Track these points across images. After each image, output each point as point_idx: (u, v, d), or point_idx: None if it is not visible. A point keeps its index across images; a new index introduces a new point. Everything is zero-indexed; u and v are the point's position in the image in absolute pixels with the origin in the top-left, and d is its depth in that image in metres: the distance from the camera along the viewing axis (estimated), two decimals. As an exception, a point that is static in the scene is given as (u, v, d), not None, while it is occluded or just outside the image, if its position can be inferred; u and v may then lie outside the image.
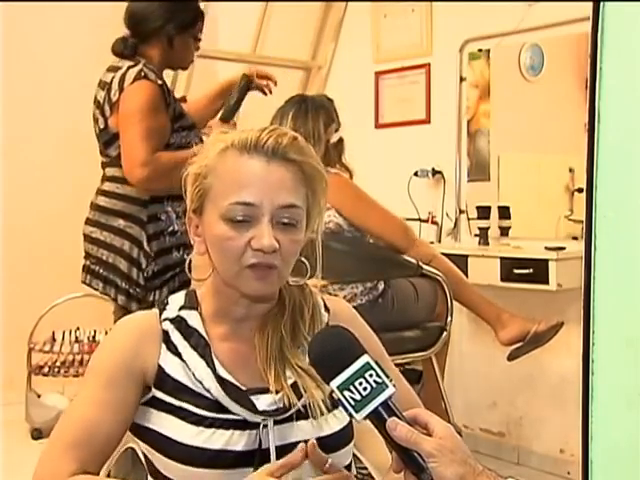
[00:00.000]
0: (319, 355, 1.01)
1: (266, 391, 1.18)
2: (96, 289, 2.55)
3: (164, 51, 2.55)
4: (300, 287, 1.27)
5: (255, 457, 1.14)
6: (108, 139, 2.53)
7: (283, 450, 1.15)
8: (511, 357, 2.78)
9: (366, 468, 1.36)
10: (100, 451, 1.16)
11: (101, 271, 2.51)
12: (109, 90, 2.49)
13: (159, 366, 1.19)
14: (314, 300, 1.27)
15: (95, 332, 3.64)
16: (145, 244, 2.45)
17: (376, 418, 0.95)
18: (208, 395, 1.16)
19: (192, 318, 1.23)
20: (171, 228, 2.46)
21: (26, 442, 3.47)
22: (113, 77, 2.49)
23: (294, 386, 1.18)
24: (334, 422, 1.19)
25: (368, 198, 2.71)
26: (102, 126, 2.54)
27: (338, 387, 0.95)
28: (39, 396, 3.60)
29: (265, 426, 1.15)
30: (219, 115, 2.68)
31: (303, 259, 1.23)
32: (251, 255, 1.15)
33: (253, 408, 1.16)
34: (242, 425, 1.15)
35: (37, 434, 3.50)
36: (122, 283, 2.47)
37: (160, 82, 2.46)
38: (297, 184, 1.18)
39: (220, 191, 1.16)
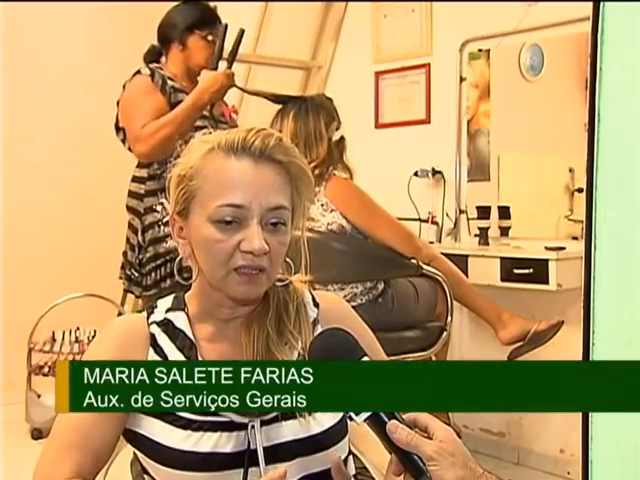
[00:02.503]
0: (319, 357, 1.01)
1: None
2: (120, 276, 2.84)
3: (180, 53, 2.77)
4: (285, 285, 1.26)
5: (244, 458, 1.14)
6: (123, 134, 2.76)
7: (272, 450, 1.15)
8: (511, 356, 2.78)
9: (366, 468, 1.35)
10: (96, 453, 1.15)
11: (122, 260, 2.82)
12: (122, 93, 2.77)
13: None
14: (299, 296, 1.26)
15: (95, 332, 3.64)
16: (140, 233, 2.70)
17: (376, 421, 0.95)
18: None
19: (179, 320, 1.23)
20: (167, 218, 2.54)
21: (26, 442, 3.47)
22: None
23: None
24: (325, 419, 1.18)
25: (374, 204, 2.72)
26: (115, 124, 2.79)
27: None
28: (39, 396, 3.60)
29: (253, 427, 1.15)
30: (211, 65, 2.79)
31: (288, 260, 1.23)
32: (240, 257, 1.15)
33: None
34: (230, 427, 1.15)
35: (37, 434, 3.50)
36: (127, 268, 2.77)
37: (149, 73, 2.69)
38: (284, 185, 1.18)
39: (208, 193, 1.16)
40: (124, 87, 2.73)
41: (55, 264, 4.15)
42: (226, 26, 2.78)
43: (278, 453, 1.15)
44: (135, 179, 2.75)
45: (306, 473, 1.17)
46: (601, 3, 0.77)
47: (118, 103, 2.75)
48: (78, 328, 3.66)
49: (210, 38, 2.75)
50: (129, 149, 2.77)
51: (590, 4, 0.78)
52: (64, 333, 3.66)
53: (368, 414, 0.95)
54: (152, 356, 1.20)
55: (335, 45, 4.14)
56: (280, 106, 2.81)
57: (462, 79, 3.58)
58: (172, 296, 1.28)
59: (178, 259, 1.26)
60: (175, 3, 2.86)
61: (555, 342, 2.78)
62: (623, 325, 0.79)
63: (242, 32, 2.83)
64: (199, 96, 2.67)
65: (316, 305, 1.28)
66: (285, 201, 1.18)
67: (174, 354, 1.20)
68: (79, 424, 1.15)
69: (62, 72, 4.23)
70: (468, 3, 3.48)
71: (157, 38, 2.82)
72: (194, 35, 2.75)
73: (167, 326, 1.22)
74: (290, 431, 1.16)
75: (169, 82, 2.71)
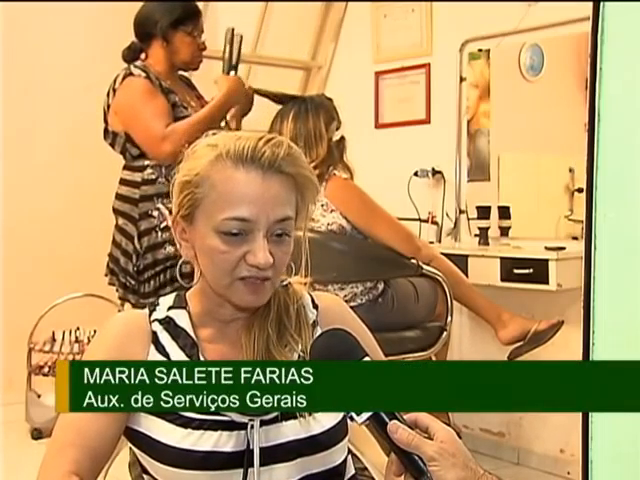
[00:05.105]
0: (320, 357, 1.01)
1: None
2: (111, 282, 2.76)
3: (164, 50, 2.69)
4: (285, 286, 1.26)
5: (244, 458, 1.14)
6: (112, 139, 2.69)
7: (272, 451, 1.15)
8: (511, 356, 2.78)
9: (366, 468, 1.35)
10: (94, 452, 1.15)
11: (111, 265, 2.72)
12: (108, 96, 2.69)
13: None
14: (299, 298, 1.26)
15: (95, 332, 3.64)
16: (136, 240, 2.60)
17: (377, 421, 0.95)
18: None
19: (181, 318, 1.23)
20: (164, 224, 2.54)
21: (26, 442, 3.47)
22: (110, 85, 2.69)
23: None
24: (325, 419, 1.18)
25: (374, 205, 2.72)
26: (105, 127, 2.71)
27: None
28: (39, 396, 3.60)
29: (252, 427, 1.15)
30: (224, 70, 2.83)
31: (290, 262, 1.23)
32: (245, 269, 1.15)
33: None
34: (230, 426, 1.15)
35: (37, 434, 3.50)
36: (120, 275, 2.67)
37: (144, 75, 2.62)
38: (290, 195, 1.18)
39: (214, 204, 1.15)
40: (114, 90, 2.64)
41: (55, 264, 4.15)
42: (233, 30, 2.80)
43: (278, 453, 1.15)
44: (126, 182, 2.66)
45: (306, 473, 1.17)
46: (601, 3, 0.77)
47: (109, 107, 2.66)
48: (78, 328, 3.66)
49: (195, 34, 2.73)
50: (119, 154, 2.69)
51: (590, 4, 0.78)
52: (64, 333, 3.65)
53: (369, 414, 0.95)
54: (153, 353, 1.20)
55: (335, 45, 4.14)
56: (280, 106, 2.82)
57: (462, 79, 3.57)
58: (174, 294, 1.28)
59: (180, 263, 1.25)
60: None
61: (555, 342, 2.78)
62: (623, 325, 0.79)
63: (240, 38, 2.85)
64: (227, 99, 2.70)
65: (315, 307, 1.28)
66: (291, 212, 1.17)
67: (176, 353, 1.20)
68: (78, 423, 1.15)
69: (62, 72, 4.23)
70: (468, 3, 3.48)
71: (135, 34, 2.74)
72: (179, 32, 2.68)
73: (169, 324, 1.22)
74: (291, 431, 1.16)
75: (162, 83, 2.67)
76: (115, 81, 2.66)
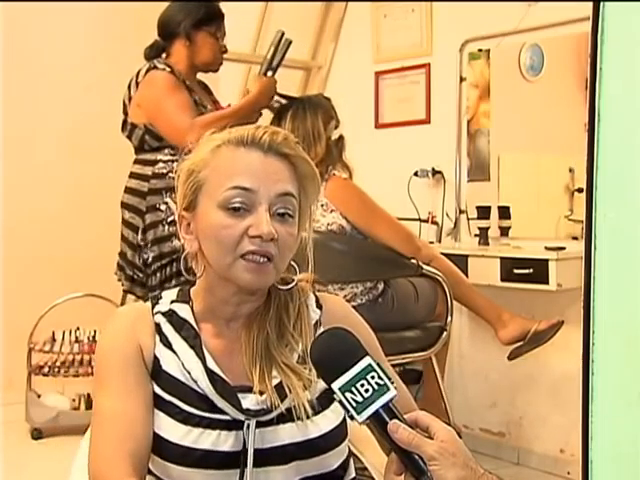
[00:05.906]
0: (321, 356, 1.01)
1: (252, 391, 1.17)
2: (119, 278, 2.78)
3: (186, 49, 2.73)
4: (289, 288, 1.26)
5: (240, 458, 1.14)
6: (130, 131, 2.72)
7: (268, 453, 1.14)
8: (512, 356, 2.78)
9: (366, 469, 1.35)
10: (143, 441, 1.14)
11: (119, 259, 2.76)
12: (129, 89, 2.71)
13: (155, 357, 1.19)
14: (302, 297, 1.26)
15: (95, 332, 3.64)
16: (141, 232, 2.64)
17: (377, 420, 0.95)
18: (197, 389, 1.16)
19: (183, 311, 1.23)
20: (172, 217, 2.54)
21: (26, 442, 3.47)
22: (131, 79, 2.72)
23: (279, 387, 1.17)
24: (324, 423, 1.18)
25: (374, 205, 2.72)
26: (123, 119, 2.74)
27: (340, 389, 0.95)
28: (39, 396, 3.60)
29: (248, 427, 1.14)
30: (262, 70, 2.85)
31: (293, 263, 1.22)
32: (248, 243, 1.14)
33: (237, 405, 1.15)
34: (229, 425, 1.15)
35: (37, 434, 3.50)
36: (127, 268, 2.70)
37: (169, 69, 2.66)
38: (291, 178, 1.19)
39: (216, 181, 1.17)
40: (137, 83, 2.67)
41: (55, 264, 4.15)
42: (283, 33, 2.82)
43: (274, 456, 1.15)
44: (136, 176, 2.70)
45: (302, 476, 1.17)
46: (601, 3, 0.77)
47: (130, 100, 2.70)
48: (78, 328, 3.67)
49: (218, 35, 2.75)
50: (135, 147, 2.72)
51: (590, 4, 0.78)
52: (64, 333, 3.66)
53: (369, 414, 0.95)
54: (159, 345, 1.20)
55: (335, 45, 4.14)
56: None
57: (462, 79, 3.57)
58: (177, 289, 1.28)
59: (183, 255, 1.25)
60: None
61: (555, 342, 2.78)
62: (623, 325, 0.79)
63: (289, 42, 2.86)
64: (258, 99, 2.74)
65: (319, 307, 1.27)
66: (292, 189, 1.19)
67: (179, 344, 1.20)
68: (123, 414, 1.14)
69: (62, 72, 4.23)
70: (468, 3, 3.48)
71: (159, 33, 2.78)
72: (202, 32, 2.73)
73: (171, 316, 1.23)
74: (287, 434, 1.16)
75: (185, 80, 2.71)
76: (138, 74, 2.69)
